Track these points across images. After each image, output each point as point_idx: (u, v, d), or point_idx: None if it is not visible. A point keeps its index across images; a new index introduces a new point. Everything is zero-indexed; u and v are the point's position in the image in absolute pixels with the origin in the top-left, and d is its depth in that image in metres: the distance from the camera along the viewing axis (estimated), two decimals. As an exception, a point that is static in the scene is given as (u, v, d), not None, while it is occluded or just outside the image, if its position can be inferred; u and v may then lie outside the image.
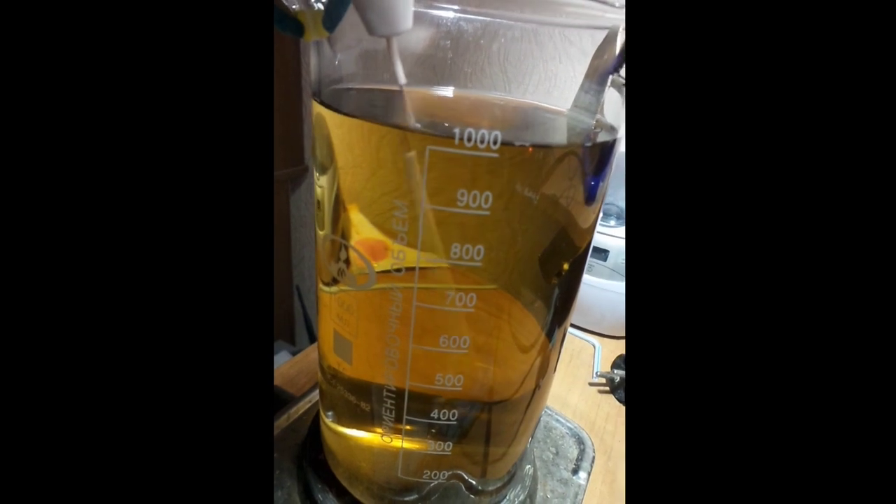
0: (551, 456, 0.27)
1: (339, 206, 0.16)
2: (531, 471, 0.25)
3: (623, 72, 0.16)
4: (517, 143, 0.13)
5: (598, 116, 0.17)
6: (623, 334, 0.45)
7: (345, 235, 0.16)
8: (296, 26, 0.15)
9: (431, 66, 0.18)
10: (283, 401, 0.31)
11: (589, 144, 0.15)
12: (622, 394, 0.36)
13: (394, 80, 0.15)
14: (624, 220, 0.43)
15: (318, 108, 0.16)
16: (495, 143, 0.13)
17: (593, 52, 0.16)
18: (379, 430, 0.19)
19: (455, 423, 0.18)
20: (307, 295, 1.03)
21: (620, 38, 0.16)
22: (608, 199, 0.45)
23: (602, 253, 0.42)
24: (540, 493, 0.25)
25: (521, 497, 0.24)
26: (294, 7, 0.15)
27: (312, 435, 0.26)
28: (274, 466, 0.25)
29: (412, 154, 0.13)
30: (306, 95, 0.86)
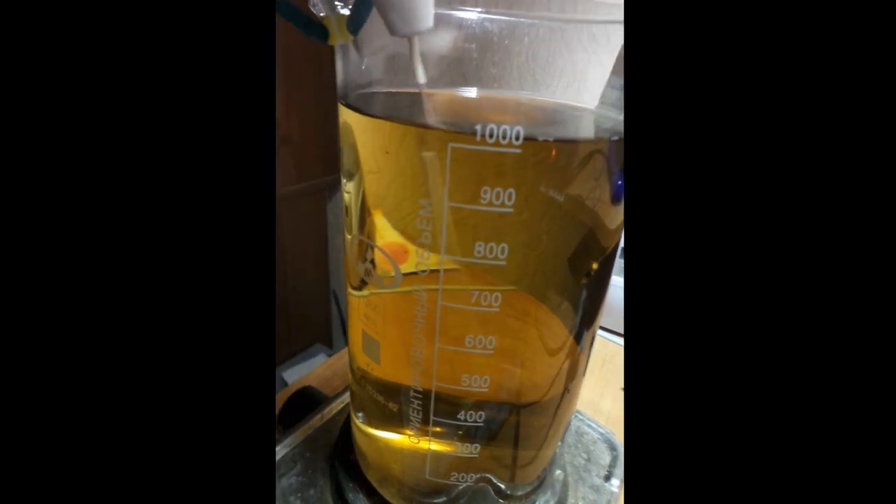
0: (583, 462, 0.27)
1: (364, 208, 0.17)
2: (562, 476, 0.24)
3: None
4: (541, 139, 0.13)
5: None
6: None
7: (371, 237, 0.17)
8: (321, 31, 0.15)
9: (458, 68, 0.18)
10: (317, 401, 0.32)
11: (615, 139, 0.15)
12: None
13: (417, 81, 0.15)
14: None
15: (343, 113, 0.16)
16: (517, 138, 0.13)
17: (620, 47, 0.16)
18: (407, 430, 0.19)
19: (482, 424, 0.18)
20: (344, 299, 1.05)
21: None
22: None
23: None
24: (571, 500, 0.24)
25: (552, 503, 0.23)
26: (319, 14, 0.16)
27: (344, 435, 0.26)
28: (307, 465, 0.26)
29: (431, 154, 0.13)
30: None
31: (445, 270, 0.15)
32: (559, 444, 0.22)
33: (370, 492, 0.23)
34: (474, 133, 0.13)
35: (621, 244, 0.18)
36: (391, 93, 0.17)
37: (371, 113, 0.15)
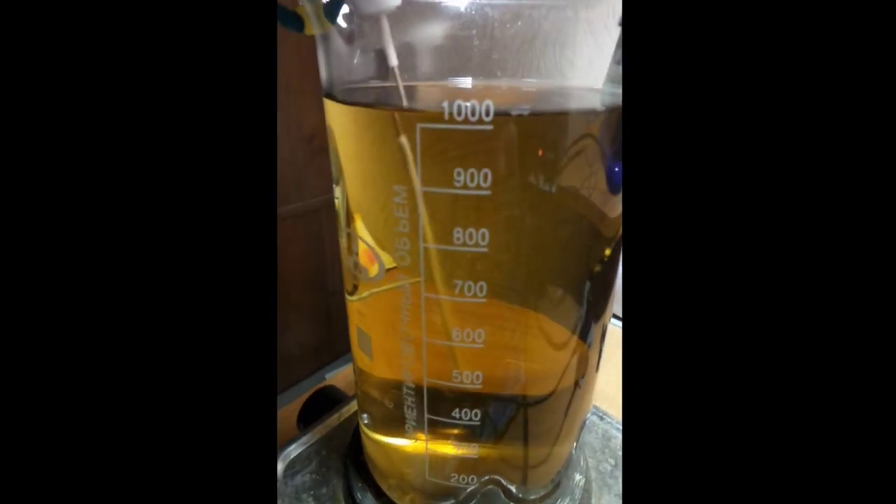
0: (609, 468, 0.25)
1: (348, 201, 0.16)
2: (581, 482, 0.23)
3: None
4: (514, 112, 0.12)
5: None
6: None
7: (355, 229, 0.16)
8: (296, 21, 0.15)
9: (459, 56, 0.17)
10: (337, 400, 0.32)
11: (601, 110, 0.13)
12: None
13: (415, 75, 0.14)
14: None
15: (326, 106, 0.16)
16: (488, 114, 0.12)
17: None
18: (404, 429, 0.18)
19: (479, 423, 0.17)
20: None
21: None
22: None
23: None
24: (594, 507, 0.23)
25: (571, 510, 0.22)
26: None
27: (357, 435, 0.26)
28: (322, 464, 0.26)
29: (401, 136, 0.13)
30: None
31: (428, 258, 0.14)
32: (574, 444, 0.21)
33: (378, 492, 0.22)
34: (442, 111, 0.12)
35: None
36: (378, 86, 0.17)
37: (341, 99, 0.15)
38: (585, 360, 0.18)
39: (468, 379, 0.16)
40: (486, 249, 0.14)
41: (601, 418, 0.28)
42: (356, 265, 0.17)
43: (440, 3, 0.16)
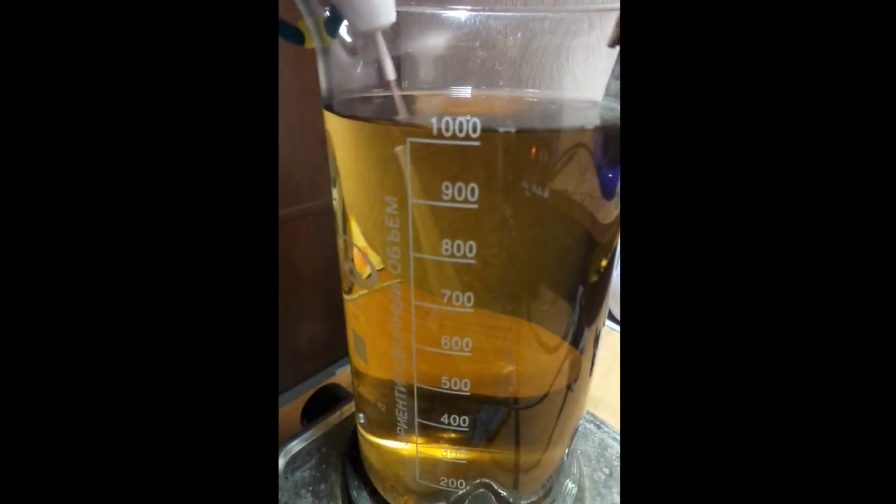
0: (603, 477, 0.25)
1: (344, 205, 0.17)
2: (574, 490, 0.23)
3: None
4: (501, 130, 0.13)
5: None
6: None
7: (350, 236, 0.17)
8: (297, 35, 0.16)
9: (462, 67, 0.18)
10: (339, 398, 0.33)
11: (590, 128, 0.14)
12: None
13: (419, 84, 0.14)
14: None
15: (325, 116, 0.17)
16: (475, 131, 0.12)
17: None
18: (396, 432, 0.19)
19: (468, 428, 0.17)
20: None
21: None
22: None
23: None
24: (586, 515, 0.23)
25: (562, 516, 0.22)
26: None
27: (356, 434, 0.27)
28: (322, 460, 0.27)
29: (392, 150, 0.13)
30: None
31: (418, 267, 0.15)
32: (566, 450, 0.21)
33: (373, 491, 0.23)
34: (430, 126, 0.12)
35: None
36: (377, 96, 0.17)
37: (338, 111, 0.15)
38: (577, 366, 0.18)
39: (457, 385, 0.16)
40: (473, 261, 0.14)
41: (598, 427, 0.28)
42: (351, 271, 0.17)
43: (442, 14, 0.16)
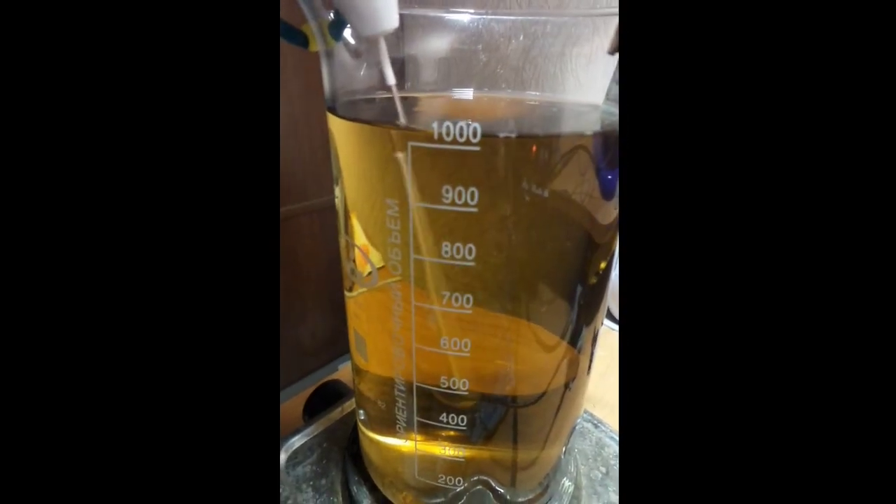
0: (600, 476, 0.25)
1: (346, 209, 0.17)
2: (571, 488, 0.23)
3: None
4: (501, 135, 0.13)
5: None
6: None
7: (351, 237, 0.17)
8: (301, 38, 0.16)
9: (464, 69, 0.18)
10: (341, 394, 0.33)
11: (590, 134, 0.14)
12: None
13: (422, 86, 0.15)
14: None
15: (329, 118, 0.17)
16: (475, 136, 0.13)
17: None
18: (395, 429, 0.19)
19: (466, 427, 0.17)
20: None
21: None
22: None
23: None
24: (582, 513, 0.23)
25: (558, 514, 0.22)
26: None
27: (356, 430, 0.27)
28: (322, 455, 0.27)
29: (393, 154, 0.13)
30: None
31: (418, 268, 0.15)
32: (563, 448, 0.21)
33: (373, 486, 0.23)
34: (431, 131, 0.13)
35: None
36: (380, 98, 0.18)
37: (341, 114, 0.15)
38: (576, 365, 0.18)
39: (455, 384, 0.16)
40: (472, 263, 0.14)
41: (596, 426, 0.28)
42: (353, 270, 0.17)
43: (446, 17, 0.16)
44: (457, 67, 0.18)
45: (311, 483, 0.25)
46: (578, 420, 0.24)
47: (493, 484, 0.20)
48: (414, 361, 0.16)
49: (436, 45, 0.17)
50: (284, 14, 0.15)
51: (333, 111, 0.16)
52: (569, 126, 0.16)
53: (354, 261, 0.17)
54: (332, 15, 0.15)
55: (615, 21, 0.14)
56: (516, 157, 0.13)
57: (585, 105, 0.19)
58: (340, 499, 0.24)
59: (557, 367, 0.17)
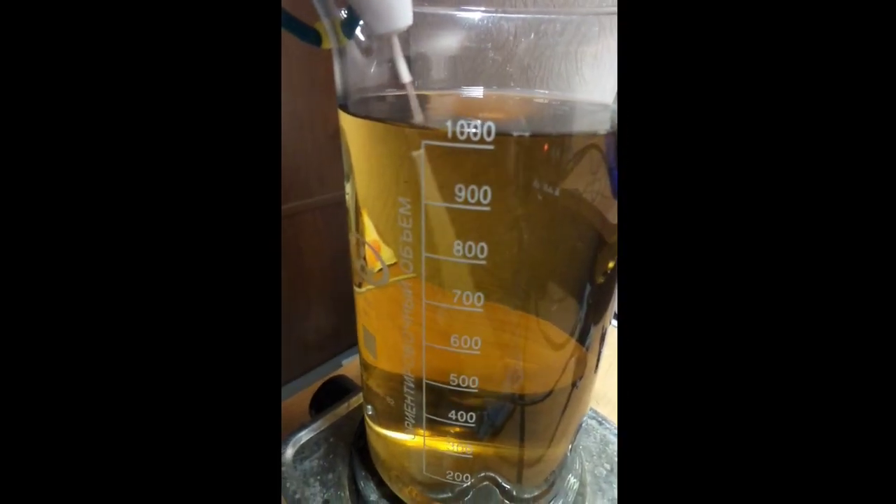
0: (604, 472, 0.25)
1: (357, 206, 0.17)
2: (576, 485, 0.23)
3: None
4: (516, 133, 0.13)
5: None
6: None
7: (362, 234, 0.17)
8: (314, 35, 0.16)
9: (473, 67, 0.18)
10: (347, 390, 0.33)
11: (602, 133, 0.14)
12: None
13: (431, 84, 0.15)
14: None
15: (340, 115, 0.17)
16: (489, 134, 0.13)
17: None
18: (403, 425, 0.19)
19: (475, 424, 0.18)
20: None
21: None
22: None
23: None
24: (587, 510, 0.23)
25: (564, 510, 0.22)
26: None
27: (363, 425, 0.27)
28: (329, 450, 0.27)
29: (407, 152, 0.14)
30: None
31: (430, 267, 0.15)
32: (569, 445, 0.21)
33: (380, 481, 0.23)
34: (446, 130, 0.13)
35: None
36: (391, 95, 0.18)
37: (353, 112, 0.15)
38: (583, 364, 0.18)
39: (465, 382, 0.16)
40: (484, 262, 0.14)
41: (600, 423, 0.29)
42: (363, 268, 0.18)
43: (456, 14, 0.16)
44: (464, 65, 0.18)
45: (319, 477, 0.25)
46: (584, 417, 0.24)
47: (500, 480, 0.20)
48: (424, 358, 0.17)
49: (445, 43, 0.17)
50: (297, 11, 0.15)
51: (345, 108, 0.16)
52: (581, 125, 0.16)
53: (365, 258, 0.17)
54: (344, 12, 0.15)
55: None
56: (529, 156, 0.13)
57: (596, 104, 0.19)
58: (347, 493, 0.24)
59: (566, 365, 0.18)
